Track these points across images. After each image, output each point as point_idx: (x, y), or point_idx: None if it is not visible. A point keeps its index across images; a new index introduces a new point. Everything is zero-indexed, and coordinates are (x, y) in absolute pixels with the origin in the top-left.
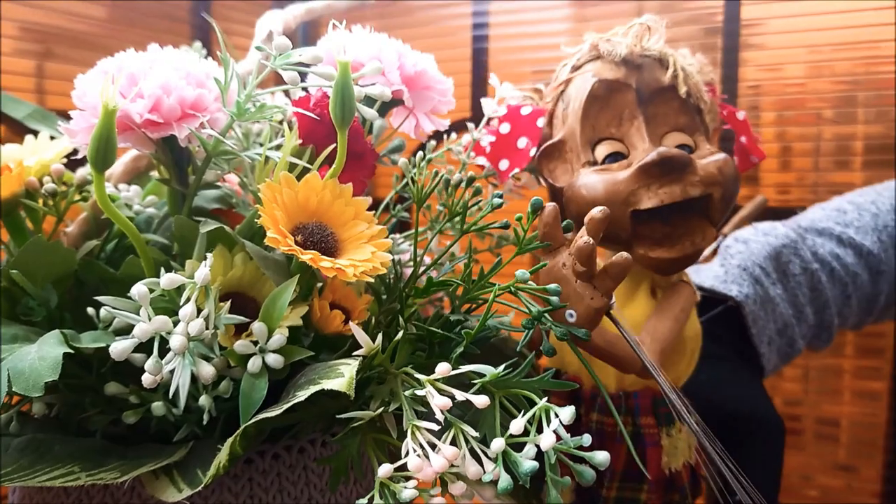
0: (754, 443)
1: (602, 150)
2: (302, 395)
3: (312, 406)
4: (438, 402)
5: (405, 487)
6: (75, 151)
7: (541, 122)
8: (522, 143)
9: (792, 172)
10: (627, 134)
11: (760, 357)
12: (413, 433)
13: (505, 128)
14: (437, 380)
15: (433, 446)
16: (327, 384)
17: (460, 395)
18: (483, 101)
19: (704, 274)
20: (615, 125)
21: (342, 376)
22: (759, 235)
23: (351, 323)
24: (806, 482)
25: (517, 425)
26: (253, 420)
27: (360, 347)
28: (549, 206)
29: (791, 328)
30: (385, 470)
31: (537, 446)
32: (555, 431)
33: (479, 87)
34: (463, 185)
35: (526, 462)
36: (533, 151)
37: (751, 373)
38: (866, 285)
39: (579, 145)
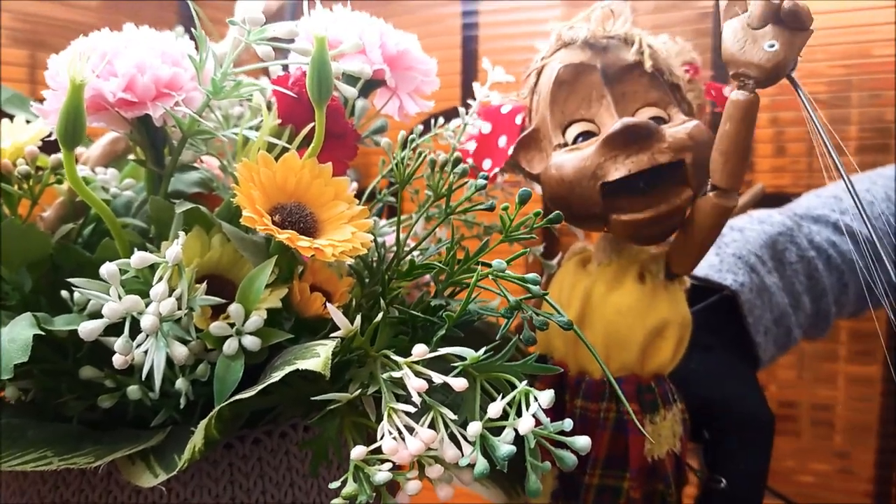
0: (742, 435)
1: (573, 132)
2: (276, 376)
3: (289, 389)
4: (415, 384)
5: (380, 470)
6: (51, 134)
7: (519, 118)
8: (503, 141)
9: (786, 157)
10: (598, 114)
11: (756, 347)
12: (390, 415)
13: (486, 128)
14: (416, 362)
15: (410, 430)
16: (302, 364)
17: (438, 378)
18: (475, 85)
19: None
20: (585, 107)
21: (318, 356)
22: (755, 223)
23: (328, 304)
24: (800, 467)
25: (495, 409)
26: (227, 402)
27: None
28: None
29: (788, 317)
30: (358, 452)
31: (516, 430)
32: (534, 416)
33: (469, 80)
34: (449, 165)
35: (503, 446)
36: (512, 150)
37: (745, 364)
38: (863, 272)
39: (550, 130)
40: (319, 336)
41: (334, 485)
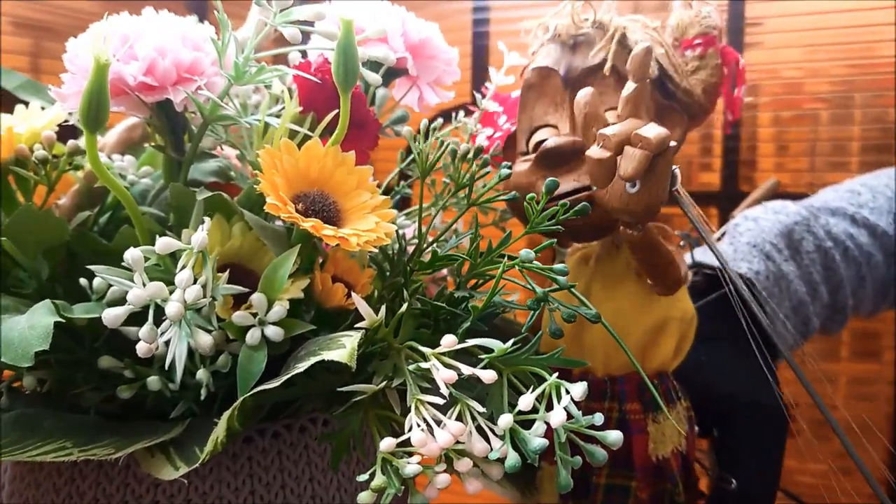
0: (753, 429)
1: (538, 137)
2: (301, 367)
3: (312, 381)
4: (443, 375)
5: (408, 463)
6: (67, 120)
7: None
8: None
9: (787, 173)
10: (560, 120)
11: (774, 336)
12: (417, 408)
13: (501, 119)
14: (443, 353)
15: (438, 422)
16: (327, 355)
17: (466, 370)
18: (490, 70)
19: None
20: (552, 111)
21: (343, 347)
22: (770, 213)
23: (353, 294)
24: (800, 467)
25: (526, 401)
26: (251, 393)
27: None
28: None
29: (806, 305)
30: (387, 444)
31: (546, 423)
32: (565, 409)
33: (479, 77)
34: (470, 155)
35: (535, 439)
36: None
37: (761, 354)
38: (881, 267)
39: (519, 135)
40: (341, 328)
41: (362, 477)
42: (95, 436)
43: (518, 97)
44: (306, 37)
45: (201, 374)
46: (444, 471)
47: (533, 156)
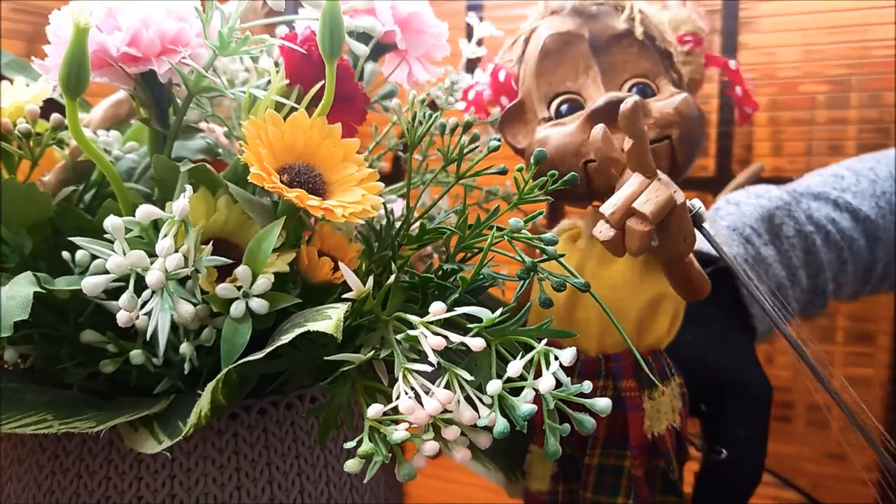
0: (740, 405)
1: (558, 105)
2: (286, 338)
3: (298, 353)
4: (432, 342)
5: (395, 429)
6: (51, 98)
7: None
8: (505, 102)
9: (784, 157)
10: (584, 86)
11: (753, 318)
12: (405, 376)
13: (486, 94)
14: (431, 323)
15: (426, 391)
16: (313, 326)
17: (455, 338)
18: (461, 42)
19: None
20: (572, 79)
21: (329, 318)
22: (752, 198)
23: (341, 264)
24: (797, 469)
25: (515, 367)
26: (235, 364)
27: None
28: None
29: (785, 289)
30: (375, 410)
31: (536, 390)
32: (554, 375)
33: (473, 65)
34: (461, 127)
35: (523, 405)
36: (498, 123)
37: (742, 335)
38: (863, 251)
39: (536, 103)
40: (328, 302)
41: (349, 444)
42: (77, 410)
43: (507, 77)
44: (296, 9)
45: (185, 347)
46: (433, 438)
47: (581, 114)
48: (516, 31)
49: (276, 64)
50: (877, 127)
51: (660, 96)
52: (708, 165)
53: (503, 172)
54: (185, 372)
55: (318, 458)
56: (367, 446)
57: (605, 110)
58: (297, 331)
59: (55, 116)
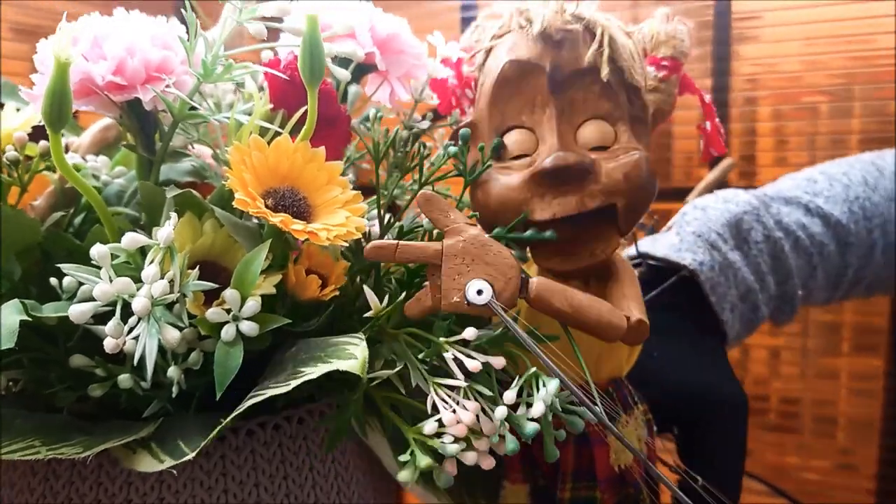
0: (714, 420)
1: (510, 139)
2: (313, 374)
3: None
4: (470, 366)
5: (443, 443)
6: (41, 121)
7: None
8: (469, 94)
9: (788, 167)
10: (539, 123)
11: (723, 324)
12: (436, 391)
13: (452, 83)
14: (453, 343)
15: (457, 403)
16: (340, 364)
17: (481, 358)
18: (436, 34)
19: (660, 243)
20: (527, 112)
21: (354, 357)
22: (719, 202)
23: (365, 287)
24: (803, 464)
25: (509, 396)
26: (262, 398)
27: (337, 316)
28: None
29: (754, 293)
30: (431, 427)
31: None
32: (542, 401)
33: None
34: (410, 140)
35: (529, 424)
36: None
37: (712, 344)
38: (833, 257)
39: (485, 131)
40: (315, 319)
41: (404, 457)
42: (65, 435)
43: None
44: (279, 35)
45: (172, 371)
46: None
47: (529, 171)
48: (482, 34)
49: (261, 88)
50: (879, 137)
51: (612, 153)
52: (705, 176)
53: (461, 174)
54: (173, 395)
55: (305, 479)
56: (425, 460)
57: (551, 173)
58: (325, 367)
59: (43, 144)
